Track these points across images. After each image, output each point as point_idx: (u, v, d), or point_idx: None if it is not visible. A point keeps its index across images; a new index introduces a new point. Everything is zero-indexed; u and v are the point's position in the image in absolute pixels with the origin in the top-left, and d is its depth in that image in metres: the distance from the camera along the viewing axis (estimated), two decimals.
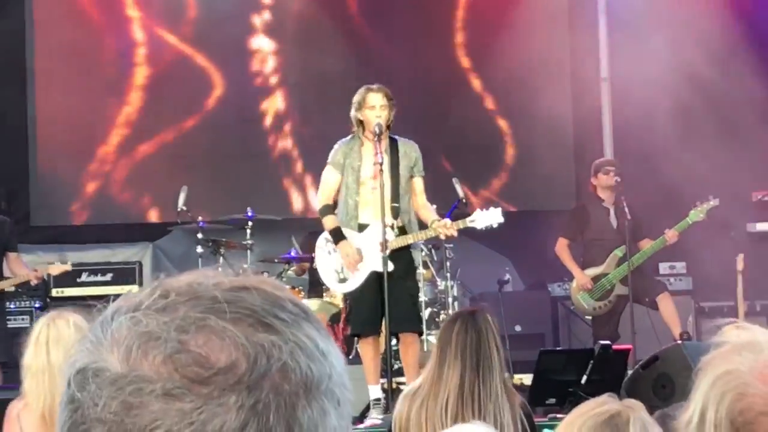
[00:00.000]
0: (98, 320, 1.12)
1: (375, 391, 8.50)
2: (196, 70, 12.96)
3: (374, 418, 8.38)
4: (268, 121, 13.13)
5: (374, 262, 8.46)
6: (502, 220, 8.60)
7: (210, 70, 13.01)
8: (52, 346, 4.07)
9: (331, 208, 8.59)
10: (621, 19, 13.12)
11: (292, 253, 10.96)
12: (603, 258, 10.61)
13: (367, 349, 8.57)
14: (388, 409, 8.14)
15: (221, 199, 12.26)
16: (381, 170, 8.33)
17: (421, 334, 8.97)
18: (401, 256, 8.48)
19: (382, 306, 8.33)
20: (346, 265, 8.54)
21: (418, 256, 8.92)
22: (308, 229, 11.56)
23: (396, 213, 8.44)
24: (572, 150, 13.27)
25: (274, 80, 13.17)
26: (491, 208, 8.66)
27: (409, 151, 8.59)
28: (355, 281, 8.58)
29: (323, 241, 8.76)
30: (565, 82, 13.26)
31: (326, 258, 8.72)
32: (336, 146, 8.64)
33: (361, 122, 8.47)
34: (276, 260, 11.10)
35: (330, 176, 8.60)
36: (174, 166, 12.75)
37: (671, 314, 10.42)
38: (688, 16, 12.70)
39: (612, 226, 10.64)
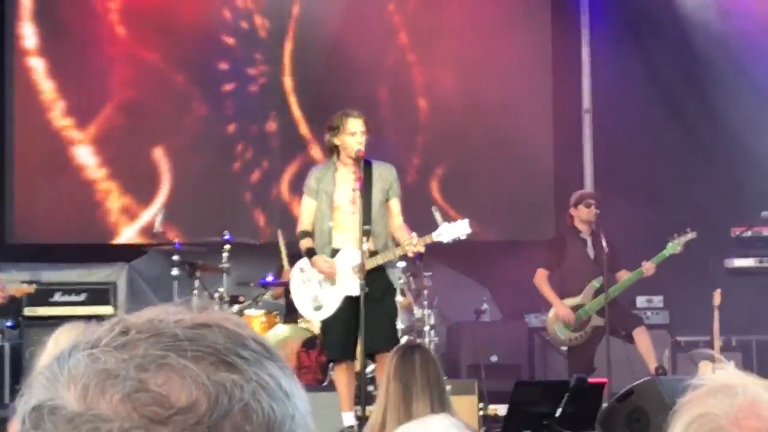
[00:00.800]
0: (55, 356, 1.09)
1: (349, 419, 8.47)
2: (176, 90, 12.95)
3: None
4: (247, 143, 13.10)
5: (347, 286, 8.47)
6: (469, 230, 8.50)
7: (189, 90, 12.99)
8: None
9: (307, 234, 8.62)
10: (604, 50, 13.15)
11: (269, 278, 10.92)
12: (580, 289, 10.61)
13: (341, 375, 8.54)
14: None
15: (198, 221, 12.22)
16: (361, 195, 8.34)
17: None
18: (376, 279, 8.44)
19: (357, 330, 8.30)
20: (325, 275, 8.52)
21: (395, 277, 8.89)
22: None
23: (367, 236, 8.41)
24: (552, 180, 13.28)
25: (255, 101, 13.17)
26: (458, 221, 8.57)
27: (385, 174, 8.59)
28: (330, 308, 8.57)
29: (297, 272, 8.79)
30: (547, 113, 13.29)
31: (301, 287, 8.73)
32: (310, 172, 8.71)
33: (335, 147, 8.47)
34: (252, 284, 11.06)
35: (306, 204, 8.64)
36: (151, 186, 12.73)
37: (647, 348, 10.42)
38: (667, 45, 12.77)
39: (589, 257, 10.65)
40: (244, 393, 1.06)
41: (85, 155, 12.87)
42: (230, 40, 13.16)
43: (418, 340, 10.74)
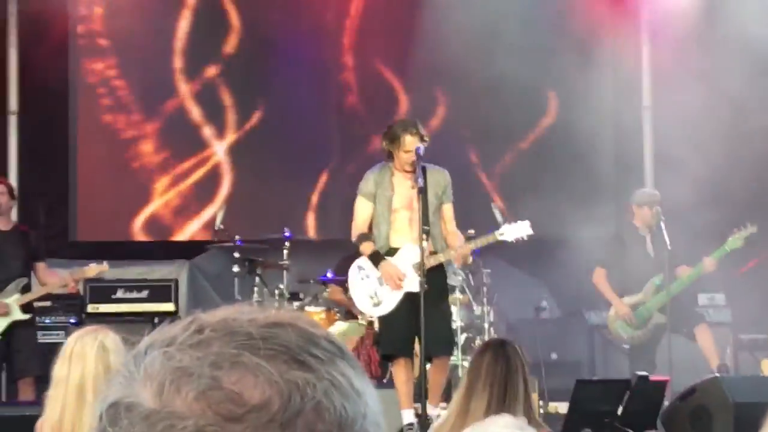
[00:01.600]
0: (132, 354, 1.11)
1: (408, 416, 8.46)
2: (241, 87, 13.05)
3: None
4: (308, 141, 13.15)
5: (408, 283, 8.52)
6: (531, 232, 8.66)
7: (249, 88, 13.07)
8: (74, 361, 4.07)
9: (367, 236, 8.67)
10: (665, 47, 13.07)
11: (329, 275, 10.94)
12: (640, 286, 10.54)
13: (400, 371, 8.54)
14: None
15: (259, 218, 12.28)
16: (419, 195, 8.39)
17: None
18: (434, 280, 8.49)
19: (416, 328, 8.33)
20: (390, 285, 8.56)
21: (452, 279, 8.97)
22: (344, 251, 11.57)
23: (427, 235, 8.48)
24: (613, 177, 13.22)
25: (312, 102, 13.21)
26: (519, 222, 8.70)
27: (439, 179, 8.66)
28: (390, 303, 8.60)
29: (355, 269, 8.82)
30: (607, 110, 13.22)
31: (359, 284, 8.77)
32: (366, 176, 8.75)
33: (392, 153, 8.54)
34: (312, 281, 11.09)
35: (362, 206, 8.70)
36: (212, 184, 12.82)
37: (709, 346, 10.33)
38: (731, 42, 12.65)
39: (649, 254, 10.58)
40: (317, 391, 1.06)
41: (147, 153, 12.98)
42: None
43: (478, 338, 10.74)
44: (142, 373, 1.07)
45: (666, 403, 8.79)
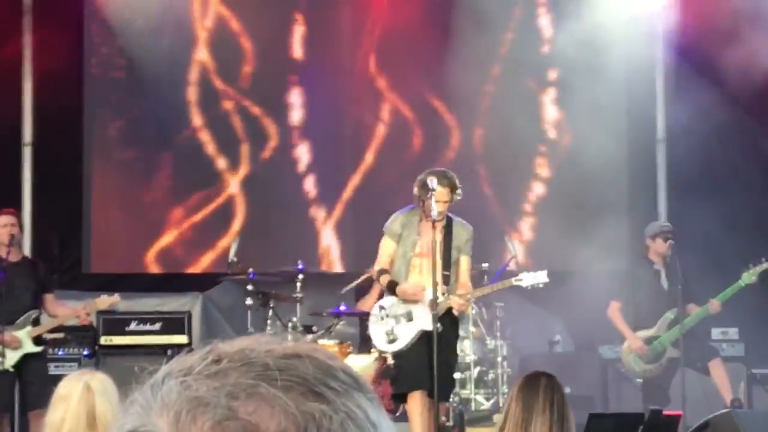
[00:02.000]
0: (148, 383, 1.11)
1: None
2: (252, 120, 13.09)
3: None
4: (322, 173, 13.18)
5: (423, 321, 8.69)
6: (547, 280, 8.94)
7: (264, 120, 13.11)
8: (58, 403, 4.06)
9: (386, 270, 8.89)
10: (679, 78, 13.09)
11: (342, 308, 10.94)
12: (654, 320, 10.52)
13: (415, 405, 8.58)
14: None
15: (272, 251, 12.29)
16: (442, 247, 8.65)
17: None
18: (447, 324, 8.68)
19: (429, 365, 8.48)
20: (413, 296, 8.73)
21: (463, 327, 9.26)
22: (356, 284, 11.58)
23: (446, 281, 8.71)
24: (626, 211, 13.21)
25: (328, 134, 13.25)
26: (538, 271, 9.01)
27: (462, 232, 8.86)
28: (404, 340, 8.74)
29: (377, 309, 9.03)
30: (622, 143, 13.23)
31: (378, 323, 8.96)
32: (394, 216, 8.92)
33: (422, 201, 8.64)
34: (325, 314, 11.08)
35: (387, 245, 8.90)
36: (226, 216, 12.84)
37: (723, 380, 10.30)
38: (743, 71, 12.66)
39: (663, 288, 10.57)
40: (333, 423, 1.06)
41: (161, 185, 13.01)
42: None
43: (491, 372, 10.72)
44: (159, 403, 1.07)
45: None
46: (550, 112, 13.28)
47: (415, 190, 8.69)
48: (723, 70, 12.63)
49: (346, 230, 13.10)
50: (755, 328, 11.81)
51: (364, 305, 11.15)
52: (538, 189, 13.26)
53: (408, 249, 8.77)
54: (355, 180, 13.16)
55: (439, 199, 8.56)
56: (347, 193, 13.17)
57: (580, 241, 12.86)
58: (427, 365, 8.53)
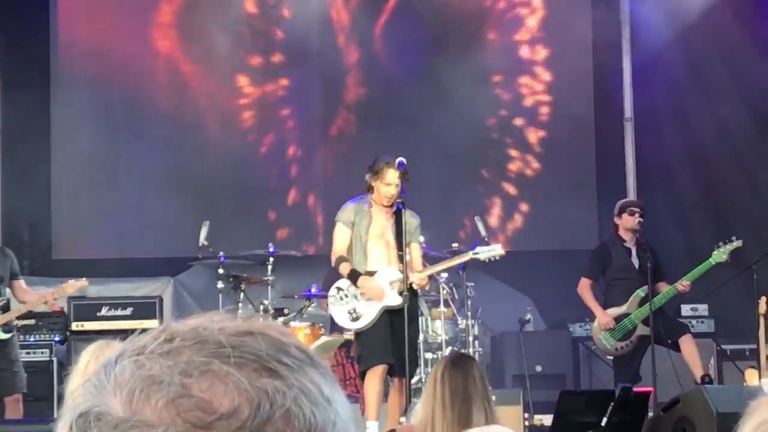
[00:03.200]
0: (102, 364, 1.11)
1: (373, 427, 8.55)
2: (225, 104, 13.07)
3: None
4: (290, 158, 13.17)
5: (387, 299, 8.88)
6: (503, 252, 9.18)
7: (239, 105, 13.09)
8: (75, 372, 4.09)
9: (345, 258, 9.03)
10: (645, 57, 13.12)
11: (313, 290, 10.94)
12: (625, 298, 10.55)
13: (373, 381, 8.69)
14: None
15: (243, 234, 12.27)
16: (394, 231, 8.88)
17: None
18: (410, 301, 8.78)
19: (393, 341, 8.68)
20: (372, 297, 8.87)
21: (423, 306, 9.33)
22: (329, 266, 11.58)
23: (401, 260, 8.83)
24: (595, 189, 13.25)
25: (293, 120, 13.24)
26: (492, 245, 9.30)
27: (411, 220, 9.01)
28: (368, 317, 8.90)
29: (334, 291, 9.14)
30: (589, 122, 13.27)
31: (338, 304, 9.09)
32: (346, 205, 9.09)
33: (371, 187, 8.88)
34: (296, 296, 11.08)
35: (341, 233, 9.06)
36: (196, 200, 12.80)
37: (693, 356, 10.34)
38: (714, 50, 12.70)
39: (634, 266, 10.59)
40: (286, 399, 1.07)
41: (129, 169, 12.97)
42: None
43: (463, 350, 10.76)
44: (113, 382, 1.07)
45: (650, 414, 8.80)
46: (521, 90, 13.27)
47: (367, 175, 8.89)
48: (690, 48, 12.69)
49: (317, 214, 13.09)
50: (724, 305, 11.88)
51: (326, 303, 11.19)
52: (508, 169, 13.27)
53: (363, 234, 8.92)
54: (327, 164, 13.16)
55: (392, 181, 8.75)
56: (317, 176, 13.17)
57: (550, 221, 12.92)
58: (390, 340, 8.72)
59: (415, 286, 8.87)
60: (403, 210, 8.91)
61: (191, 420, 1.04)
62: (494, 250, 9.16)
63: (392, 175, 8.77)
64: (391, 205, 8.86)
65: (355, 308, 8.95)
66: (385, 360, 8.75)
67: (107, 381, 1.08)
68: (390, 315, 8.81)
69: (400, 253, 8.84)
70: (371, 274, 8.94)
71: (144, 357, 1.08)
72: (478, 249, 9.21)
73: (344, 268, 8.99)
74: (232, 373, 1.06)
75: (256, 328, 1.11)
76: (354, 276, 8.94)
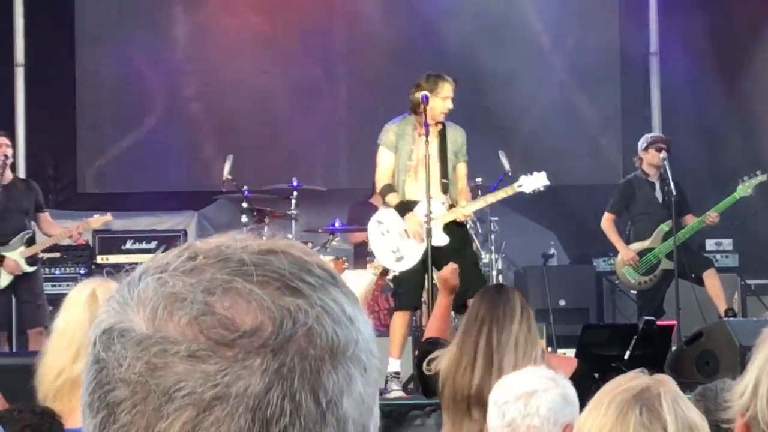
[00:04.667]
0: (125, 281, 1.12)
1: (395, 365, 8.54)
2: (250, 38, 13.04)
3: (395, 390, 8.43)
4: (314, 92, 13.14)
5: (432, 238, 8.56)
6: (548, 182, 8.81)
7: (264, 36, 13.07)
8: (66, 309, 4.07)
9: (391, 187, 8.69)
10: None
11: (336, 224, 10.95)
12: (649, 233, 10.54)
13: (400, 321, 8.63)
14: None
15: (267, 168, 12.28)
16: (439, 153, 8.58)
17: None
18: (454, 231, 8.62)
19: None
20: (414, 237, 8.58)
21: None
22: (354, 199, 11.60)
23: (445, 189, 8.60)
24: (620, 124, 13.19)
25: (322, 52, 13.20)
26: (535, 173, 8.85)
27: (457, 136, 8.74)
28: (413, 258, 8.64)
29: (375, 224, 8.86)
30: (614, 57, 13.18)
31: (380, 239, 8.81)
32: (387, 127, 8.73)
33: (418, 106, 8.49)
34: (320, 230, 11.10)
35: (384, 157, 8.69)
36: (220, 134, 12.81)
37: (717, 291, 10.33)
38: None
39: (658, 201, 10.56)
40: (309, 317, 1.07)
41: (155, 103, 12.97)
42: None
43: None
44: (136, 299, 1.08)
45: (673, 347, 8.82)
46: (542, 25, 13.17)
47: (415, 94, 8.52)
48: None
49: (341, 147, 13.08)
50: (749, 239, 11.85)
51: (354, 237, 11.18)
52: (532, 104, 13.20)
53: (405, 159, 8.61)
54: (351, 98, 13.13)
55: (449, 94, 8.49)
56: (342, 109, 13.15)
57: (575, 155, 12.87)
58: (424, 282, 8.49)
59: (461, 219, 8.69)
60: (447, 127, 8.68)
61: (214, 337, 1.05)
62: (539, 181, 8.81)
63: (449, 88, 8.51)
64: (437, 122, 8.57)
65: (398, 247, 8.67)
66: (418, 304, 8.68)
67: (130, 298, 1.09)
68: (434, 252, 8.42)
69: (444, 181, 8.60)
70: (412, 204, 8.62)
71: (167, 274, 1.09)
72: (521, 180, 8.86)
73: (392, 199, 8.66)
74: (254, 291, 1.07)
75: (279, 246, 1.12)
76: (403, 210, 8.63)
